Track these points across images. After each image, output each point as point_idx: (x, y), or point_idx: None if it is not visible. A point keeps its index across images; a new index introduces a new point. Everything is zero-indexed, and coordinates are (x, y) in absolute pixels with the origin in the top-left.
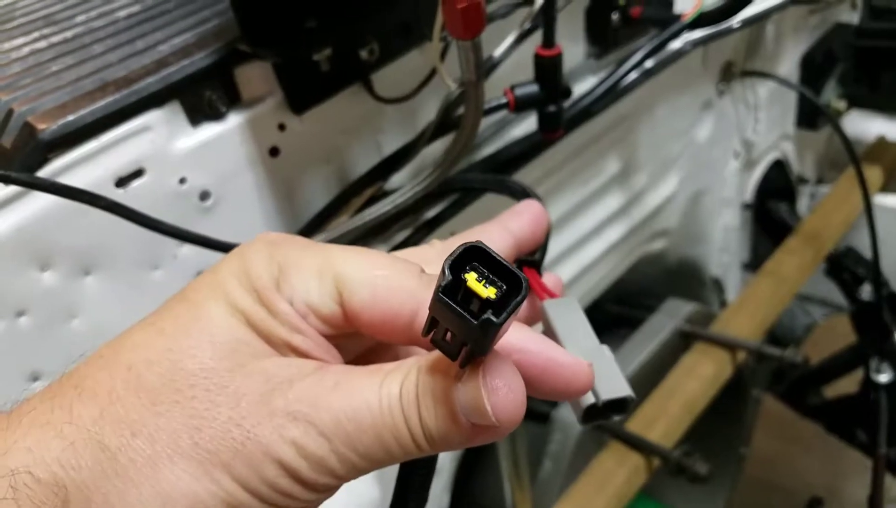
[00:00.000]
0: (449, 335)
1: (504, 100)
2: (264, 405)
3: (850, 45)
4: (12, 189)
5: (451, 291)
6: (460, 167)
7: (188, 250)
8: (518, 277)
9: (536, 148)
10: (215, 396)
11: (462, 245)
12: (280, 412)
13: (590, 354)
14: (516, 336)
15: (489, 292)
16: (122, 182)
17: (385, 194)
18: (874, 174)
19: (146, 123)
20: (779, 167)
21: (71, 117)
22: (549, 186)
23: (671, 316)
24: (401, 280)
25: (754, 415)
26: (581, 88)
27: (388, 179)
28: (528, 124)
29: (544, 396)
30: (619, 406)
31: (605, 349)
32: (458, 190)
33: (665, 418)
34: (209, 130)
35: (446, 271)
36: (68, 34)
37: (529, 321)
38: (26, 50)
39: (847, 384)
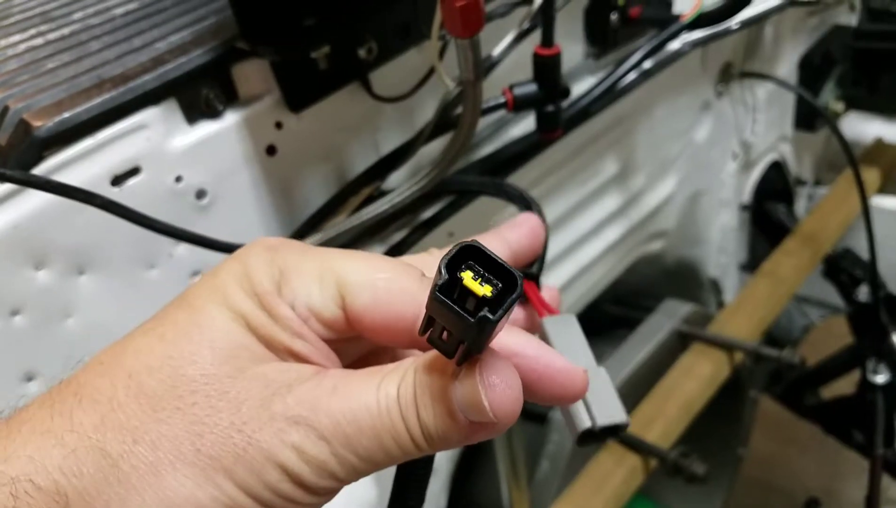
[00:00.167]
0: (445, 333)
1: (502, 99)
2: (265, 409)
3: (849, 47)
4: (7, 187)
5: (447, 289)
6: (458, 167)
7: (184, 248)
8: (513, 275)
9: (535, 148)
10: (216, 402)
11: (458, 244)
12: (280, 416)
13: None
14: (514, 340)
15: (485, 290)
16: (117, 180)
17: (382, 193)
18: (872, 176)
19: (142, 120)
20: (777, 169)
21: (67, 115)
22: (547, 186)
23: (669, 317)
24: (402, 283)
25: (751, 416)
26: (580, 88)
27: (386, 178)
28: (526, 124)
29: (539, 401)
30: (614, 430)
31: (603, 371)
32: (454, 192)
33: (662, 418)
34: (206, 128)
35: (442, 270)
36: (65, 31)
37: (528, 331)
38: (23, 47)
39: (844, 386)
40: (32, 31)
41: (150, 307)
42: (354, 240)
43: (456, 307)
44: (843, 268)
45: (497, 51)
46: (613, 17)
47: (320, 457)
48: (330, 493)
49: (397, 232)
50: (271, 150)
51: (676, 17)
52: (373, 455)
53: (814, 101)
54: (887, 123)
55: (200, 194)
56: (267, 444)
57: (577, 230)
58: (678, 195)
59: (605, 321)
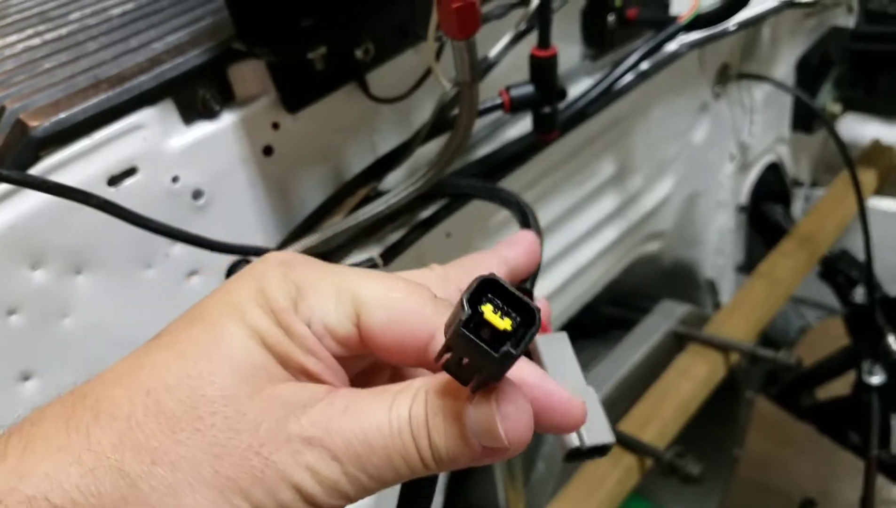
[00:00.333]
0: (463, 361)
1: (499, 101)
2: (281, 430)
3: (846, 49)
4: (3, 187)
5: (467, 323)
6: (455, 168)
7: (180, 249)
8: (531, 308)
9: (531, 149)
10: (235, 423)
11: (477, 279)
12: (296, 437)
13: (576, 394)
14: (515, 368)
15: (505, 325)
16: (114, 180)
17: (379, 193)
18: (869, 178)
19: (139, 121)
20: (774, 170)
21: (63, 115)
22: (544, 187)
23: (665, 318)
24: (416, 304)
25: (747, 417)
26: (576, 89)
27: (383, 179)
28: (523, 126)
29: (537, 429)
30: (601, 450)
31: (591, 391)
32: (450, 195)
33: (658, 419)
34: (202, 128)
35: (465, 306)
36: (62, 31)
37: None
38: (20, 47)
39: (840, 387)
40: (30, 31)
41: (147, 307)
42: (351, 240)
43: (481, 344)
44: (839, 269)
45: (494, 52)
46: (610, 18)
47: (332, 477)
48: None
49: (394, 232)
50: (268, 150)
51: (673, 19)
52: (382, 473)
53: (811, 102)
54: (884, 125)
55: (197, 195)
56: (283, 465)
57: (574, 232)
58: (675, 197)
59: (602, 321)
